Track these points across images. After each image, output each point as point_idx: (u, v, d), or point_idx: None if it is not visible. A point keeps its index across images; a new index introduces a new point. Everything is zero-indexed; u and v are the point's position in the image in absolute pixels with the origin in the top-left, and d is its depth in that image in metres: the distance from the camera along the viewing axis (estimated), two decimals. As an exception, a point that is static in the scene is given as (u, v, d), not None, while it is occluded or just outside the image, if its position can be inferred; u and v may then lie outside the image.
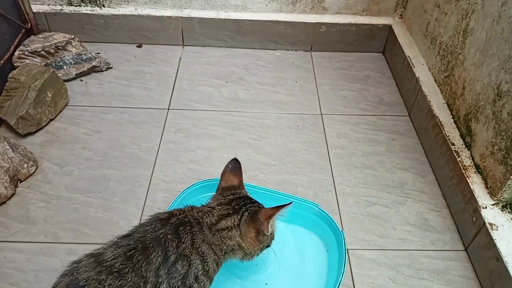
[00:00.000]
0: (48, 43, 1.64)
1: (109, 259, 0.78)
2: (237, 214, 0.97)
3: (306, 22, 1.92)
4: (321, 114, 1.70)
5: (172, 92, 1.75)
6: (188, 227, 0.87)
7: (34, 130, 1.50)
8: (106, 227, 1.25)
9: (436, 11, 1.61)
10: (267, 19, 1.90)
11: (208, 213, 0.95)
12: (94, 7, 1.86)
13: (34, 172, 1.39)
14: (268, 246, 1.04)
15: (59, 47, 1.66)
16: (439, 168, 1.46)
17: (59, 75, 1.62)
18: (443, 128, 1.44)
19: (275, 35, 1.95)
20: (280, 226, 1.25)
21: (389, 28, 1.95)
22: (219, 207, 0.97)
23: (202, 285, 0.87)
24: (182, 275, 0.83)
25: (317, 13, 1.93)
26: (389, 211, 1.37)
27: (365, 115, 1.71)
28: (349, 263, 1.23)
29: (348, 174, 1.48)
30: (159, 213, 0.91)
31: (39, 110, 1.49)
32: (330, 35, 1.96)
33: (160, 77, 1.82)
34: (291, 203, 0.94)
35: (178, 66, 1.88)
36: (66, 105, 1.63)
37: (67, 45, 1.68)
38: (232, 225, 0.95)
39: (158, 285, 0.79)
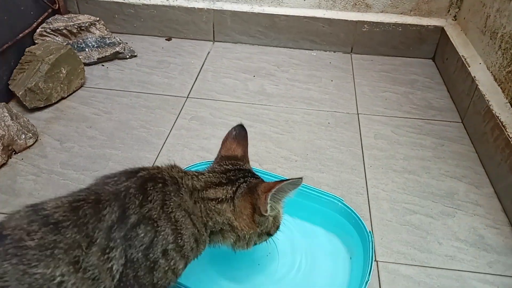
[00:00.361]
0: (72, 23, 1.58)
1: (49, 208, 0.60)
2: (231, 185, 0.77)
3: (347, 20, 1.75)
4: (358, 114, 1.49)
5: (195, 82, 1.62)
6: (160, 185, 0.69)
7: (42, 105, 1.40)
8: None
9: (498, 1, 1.39)
10: (304, 15, 1.76)
11: (193, 176, 0.76)
12: (125, -5, 1.81)
13: (32, 145, 1.27)
14: (269, 234, 0.83)
15: (82, 28, 1.59)
16: (499, 178, 1.19)
17: (80, 57, 1.54)
18: (505, 129, 1.19)
19: (312, 33, 1.80)
20: (290, 224, 1.04)
21: (440, 30, 1.74)
22: (210, 174, 0.78)
23: (172, 263, 0.67)
24: (144, 245, 0.64)
25: (359, 10, 1.77)
26: (434, 222, 1.11)
27: (410, 118, 1.48)
28: (378, 277, 0.97)
29: (385, 177, 1.24)
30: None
31: (50, 85, 1.40)
32: (373, 36, 1.78)
33: (184, 68, 1.70)
34: (301, 178, 0.73)
35: (205, 59, 1.76)
36: (81, 85, 1.54)
37: (91, 26, 1.61)
38: (223, 197, 0.76)
39: (108, 250, 0.60)
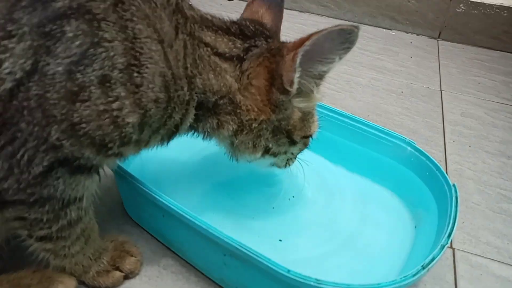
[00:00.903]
0: None
1: None
2: (244, 39, 0.51)
3: (439, -4, 1.46)
4: (441, 90, 1.17)
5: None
6: None
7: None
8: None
9: None
10: (388, -16, 1.50)
11: (190, 5, 0.50)
12: None
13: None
14: (292, 141, 0.55)
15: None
16: None
17: None
18: None
19: (393, 8, 1.52)
20: (329, 172, 0.74)
21: (560, 20, 1.38)
22: (216, 18, 0.52)
23: (114, 105, 0.41)
24: (71, 58, 0.38)
25: (456, -14, 1.47)
26: (544, 219, 0.75)
27: (510, 105, 1.13)
28: (454, 268, 0.64)
29: (473, 156, 0.91)
30: None
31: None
32: (468, 20, 1.46)
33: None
34: (356, 26, 0.45)
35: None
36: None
37: None
38: (227, 51, 0.50)
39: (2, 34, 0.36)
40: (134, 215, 0.65)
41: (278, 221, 0.65)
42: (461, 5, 1.45)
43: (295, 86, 0.49)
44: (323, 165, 0.77)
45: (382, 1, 1.52)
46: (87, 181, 0.45)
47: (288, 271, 0.45)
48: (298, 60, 0.47)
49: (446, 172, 0.84)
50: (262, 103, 0.50)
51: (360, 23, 1.58)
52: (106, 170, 0.61)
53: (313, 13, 1.63)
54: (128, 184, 0.57)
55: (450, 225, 0.52)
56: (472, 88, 1.20)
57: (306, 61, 0.48)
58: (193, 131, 0.53)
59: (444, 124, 1.01)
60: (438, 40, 1.52)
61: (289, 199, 0.69)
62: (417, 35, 1.54)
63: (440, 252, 0.50)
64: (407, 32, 1.55)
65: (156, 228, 0.62)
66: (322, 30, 0.45)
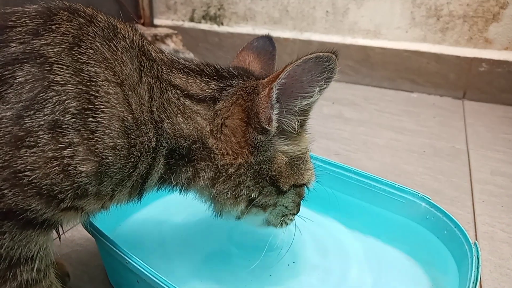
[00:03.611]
0: (149, 32, 1.53)
1: None
2: (219, 80, 0.48)
3: (459, 57, 1.42)
4: (467, 149, 1.09)
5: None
6: (82, 20, 0.42)
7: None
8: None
9: None
10: (404, 48, 1.49)
11: (157, 49, 0.48)
12: (213, 24, 1.76)
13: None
14: (279, 190, 0.49)
15: (158, 38, 1.53)
16: None
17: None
18: None
19: (413, 71, 1.50)
20: (341, 235, 0.66)
21: None
22: (190, 62, 0.50)
23: (66, 152, 0.38)
24: (22, 103, 0.37)
25: (476, 46, 1.43)
26: None
27: (548, 163, 1.02)
28: None
29: (506, 216, 0.81)
30: None
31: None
32: (493, 78, 1.40)
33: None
34: (331, 52, 0.42)
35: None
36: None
37: (167, 38, 1.55)
38: (200, 93, 0.47)
39: None
40: (115, 282, 0.59)
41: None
42: (483, 64, 1.41)
43: (274, 124, 0.45)
44: (327, 225, 0.70)
45: (400, 64, 1.50)
46: (40, 238, 0.41)
47: None
48: (274, 95, 0.43)
49: (476, 235, 0.74)
50: (238, 145, 0.46)
51: (379, 87, 1.56)
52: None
53: (331, 80, 1.63)
54: (100, 245, 0.52)
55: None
56: (501, 146, 1.11)
57: (284, 95, 0.44)
58: (166, 184, 0.48)
59: (472, 183, 0.92)
60: (463, 100, 1.46)
61: (288, 265, 0.61)
62: (440, 96, 1.49)
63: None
64: (429, 94, 1.50)
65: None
66: (297, 60, 0.42)
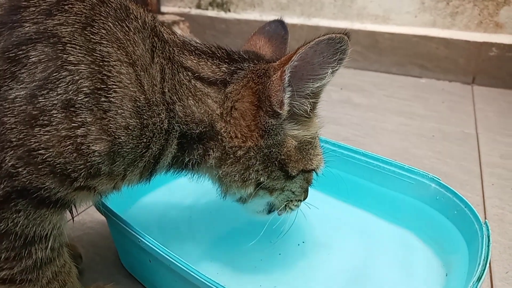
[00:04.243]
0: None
1: None
2: (230, 63, 0.48)
3: (469, 41, 1.41)
4: (477, 133, 1.08)
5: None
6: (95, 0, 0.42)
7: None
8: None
9: None
10: (413, 33, 1.47)
11: (169, 31, 0.48)
12: (220, 11, 1.75)
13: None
14: (288, 175, 0.49)
15: (165, 25, 1.52)
16: None
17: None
18: None
19: (422, 56, 1.48)
20: (349, 217, 0.66)
21: None
22: (202, 44, 0.50)
23: (79, 131, 0.38)
24: (35, 83, 0.37)
25: (486, 30, 1.41)
26: None
27: (560, 146, 1.02)
28: None
29: None
30: None
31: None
32: (503, 63, 1.39)
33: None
34: (344, 34, 0.41)
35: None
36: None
37: (174, 25, 1.54)
38: (210, 75, 0.47)
39: None
40: (127, 263, 0.60)
41: (285, 269, 0.58)
42: (494, 48, 1.39)
43: (286, 107, 0.45)
44: (337, 206, 0.70)
45: (409, 49, 1.49)
46: (54, 217, 0.41)
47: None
48: (286, 78, 0.43)
49: (485, 217, 0.74)
50: (248, 128, 0.46)
51: (388, 73, 1.55)
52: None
53: (339, 66, 1.62)
54: (113, 225, 0.53)
55: (480, 267, 0.44)
56: (511, 130, 1.10)
57: (296, 78, 0.44)
58: (177, 166, 0.49)
59: (482, 167, 0.92)
60: (472, 86, 1.44)
61: (298, 245, 0.62)
62: (450, 81, 1.47)
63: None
64: (438, 79, 1.49)
65: (147, 277, 0.57)
66: (309, 42, 0.42)
